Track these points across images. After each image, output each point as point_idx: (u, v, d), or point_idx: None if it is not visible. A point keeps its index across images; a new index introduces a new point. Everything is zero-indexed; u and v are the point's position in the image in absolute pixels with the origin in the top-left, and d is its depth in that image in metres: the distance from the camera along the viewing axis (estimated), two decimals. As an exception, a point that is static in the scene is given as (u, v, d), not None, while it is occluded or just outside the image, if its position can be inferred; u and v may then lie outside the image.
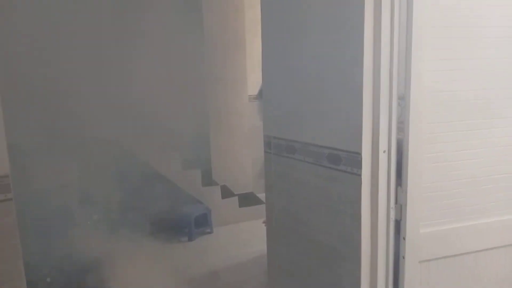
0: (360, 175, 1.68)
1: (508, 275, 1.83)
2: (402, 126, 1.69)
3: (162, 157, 4.01)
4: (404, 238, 1.71)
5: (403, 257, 1.73)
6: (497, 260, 1.83)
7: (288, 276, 2.26)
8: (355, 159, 1.70)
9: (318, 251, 1.97)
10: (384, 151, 1.67)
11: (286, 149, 2.14)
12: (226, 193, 4.42)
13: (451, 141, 1.68)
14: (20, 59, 3.13)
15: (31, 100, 3.07)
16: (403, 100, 1.67)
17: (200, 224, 4.04)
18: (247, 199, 4.50)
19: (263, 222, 2.63)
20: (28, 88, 3.11)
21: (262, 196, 4.28)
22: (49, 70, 3.28)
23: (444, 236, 1.74)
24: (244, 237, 3.96)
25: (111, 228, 3.31)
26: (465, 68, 1.67)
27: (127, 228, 3.44)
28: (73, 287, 2.84)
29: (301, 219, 2.08)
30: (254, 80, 4.46)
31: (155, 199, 3.75)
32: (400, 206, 1.71)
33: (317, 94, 1.89)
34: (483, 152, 1.73)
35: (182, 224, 3.97)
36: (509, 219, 1.81)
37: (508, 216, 1.82)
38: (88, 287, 2.88)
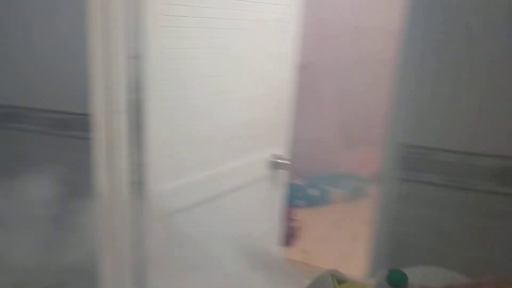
0: (92, 139, 1.57)
1: (234, 217, 2.08)
2: (138, 86, 1.65)
3: None
4: (145, 198, 1.72)
5: (144, 216, 1.73)
6: (220, 206, 2.02)
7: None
8: (87, 122, 1.57)
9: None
10: (119, 112, 1.60)
11: (6, 118, 1.79)
12: None
13: (178, 98, 1.73)
14: None
15: None
16: (139, 58, 1.62)
17: None
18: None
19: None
20: None
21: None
22: None
23: (179, 191, 1.82)
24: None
25: None
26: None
27: None
28: None
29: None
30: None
31: None
32: (139, 166, 1.69)
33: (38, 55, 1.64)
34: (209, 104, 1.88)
35: None
36: (229, 167, 2.02)
37: (226, 165, 2.01)
38: None
